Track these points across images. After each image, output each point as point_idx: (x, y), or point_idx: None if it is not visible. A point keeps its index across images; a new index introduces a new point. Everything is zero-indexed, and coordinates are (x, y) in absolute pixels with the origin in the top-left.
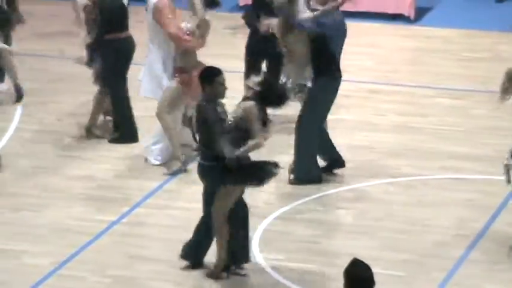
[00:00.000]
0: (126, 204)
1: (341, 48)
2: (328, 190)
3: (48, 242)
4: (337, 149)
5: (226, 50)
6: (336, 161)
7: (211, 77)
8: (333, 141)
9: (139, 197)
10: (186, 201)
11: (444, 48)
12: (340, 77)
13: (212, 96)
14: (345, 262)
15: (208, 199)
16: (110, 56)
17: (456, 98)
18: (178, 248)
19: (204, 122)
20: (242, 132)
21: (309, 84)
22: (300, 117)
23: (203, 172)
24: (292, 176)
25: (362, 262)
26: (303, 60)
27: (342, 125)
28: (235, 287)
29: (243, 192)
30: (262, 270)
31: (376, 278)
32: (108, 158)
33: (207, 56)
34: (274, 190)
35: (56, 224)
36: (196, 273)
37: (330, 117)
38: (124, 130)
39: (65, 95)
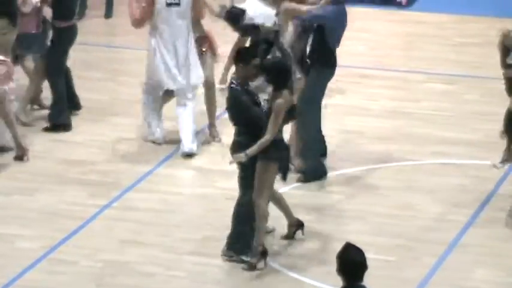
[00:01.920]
0: (117, 188)
1: (340, 38)
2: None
3: (40, 226)
4: (328, 133)
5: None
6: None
7: (248, 58)
8: (324, 125)
9: (131, 181)
10: (177, 185)
11: (436, 33)
12: (335, 65)
13: (245, 77)
14: (337, 247)
15: (244, 182)
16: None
17: (448, 83)
18: (170, 232)
19: (238, 105)
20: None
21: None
22: (300, 109)
23: (239, 149)
24: (301, 176)
25: (355, 246)
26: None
27: (333, 109)
28: (227, 272)
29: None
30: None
31: (367, 263)
32: (99, 142)
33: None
34: None
35: (47, 208)
36: (189, 257)
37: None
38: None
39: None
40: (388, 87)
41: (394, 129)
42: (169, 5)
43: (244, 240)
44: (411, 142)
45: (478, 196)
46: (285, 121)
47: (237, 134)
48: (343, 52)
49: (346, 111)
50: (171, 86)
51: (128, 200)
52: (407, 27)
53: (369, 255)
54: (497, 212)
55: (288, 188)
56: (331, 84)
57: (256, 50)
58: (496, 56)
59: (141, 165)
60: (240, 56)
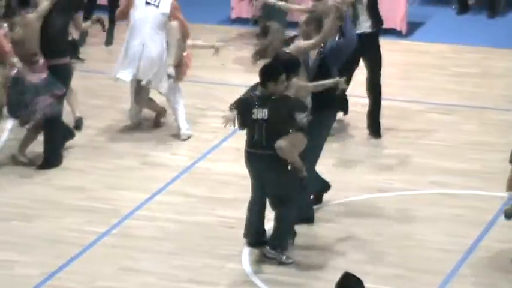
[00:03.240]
0: (115, 216)
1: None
2: (319, 204)
3: (38, 252)
4: (328, 162)
5: (217, 62)
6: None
7: (277, 75)
8: (324, 155)
9: (130, 208)
10: (176, 213)
11: (435, 63)
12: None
13: (273, 93)
14: (334, 276)
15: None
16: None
17: (446, 113)
18: (168, 260)
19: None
20: None
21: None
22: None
23: (270, 161)
24: None
25: (353, 275)
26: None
27: (333, 139)
28: None
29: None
30: (252, 283)
31: None
32: (97, 168)
33: (199, 68)
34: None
35: (45, 234)
36: (187, 286)
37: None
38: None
39: None
40: (386, 116)
41: (392, 159)
42: (147, 3)
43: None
44: (409, 172)
45: (476, 226)
46: None
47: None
48: None
49: (347, 140)
50: (122, 76)
51: (127, 227)
52: (406, 57)
53: (368, 285)
54: (495, 242)
55: None
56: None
57: (281, 65)
58: (494, 86)
59: (141, 193)
60: (267, 74)
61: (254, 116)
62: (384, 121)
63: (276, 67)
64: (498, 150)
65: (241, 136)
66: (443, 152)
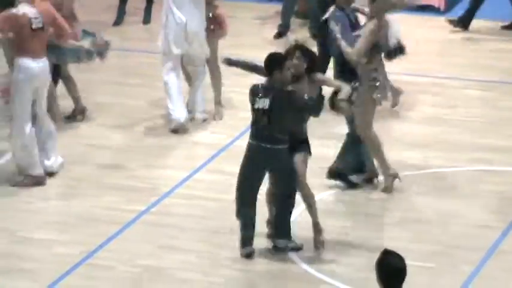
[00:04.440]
0: (155, 194)
1: None
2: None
3: (78, 231)
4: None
5: (255, 40)
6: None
7: (281, 62)
8: None
9: (169, 187)
10: (215, 191)
11: (473, 39)
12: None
13: (279, 81)
14: (374, 253)
15: (280, 183)
16: None
17: (485, 90)
18: (207, 238)
19: (288, 107)
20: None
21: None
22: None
23: (273, 155)
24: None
25: (395, 253)
26: None
27: None
28: (264, 278)
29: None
30: (291, 261)
31: (407, 270)
32: (136, 147)
33: (240, 46)
34: None
35: (85, 213)
36: (226, 263)
37: None
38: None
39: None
40: (425, 93)
41: (431, 136)
42: None
43: None
44: (448, 149)
45: None
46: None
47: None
48: None
49: (383, 117)
50: (175, 50)
51: (166, 205)
52: (444, 33)
53: (407, 262)
54: None
55: (326, 194)
56: None
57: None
58: None
59: (179, 171)
60: (273, 62)
61: (256, 106)
62: (421, 97)
63: (280, 55)
64: None
65: None
66: (482, 128)
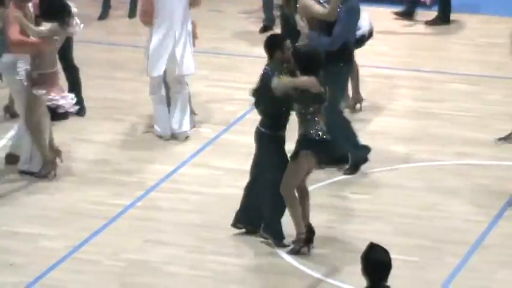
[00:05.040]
0: (140, 188)
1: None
2: (341, 175)
3: (63, 225)
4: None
5: (240, 34)
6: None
7: (281, 42)
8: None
9: (154, 181)
10: (201, 185)
11: (460, 33)
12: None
13: (281, 61)
14: (359, 247)
15: (260, 166)
16: None
17: (472, 84)
18: (193, 232)
19: (268, 90)
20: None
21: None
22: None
23: (260, 139)
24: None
25: (380, 246)
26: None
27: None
28: (249, 271)
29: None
30: (277, 255)
31: (392, 263)
32: (122, 141)
33: (224, 40)
34: None
35: (71, 207)
36: (213, 257)
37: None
38: None
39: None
40: (412, 87)
41: (417, 130)
42: None
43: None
44: (434, 142)
45: (501, 196)
46: (309, 103)
47: (261, 125)
48: (367, 52)
49: (370, 111)
50: (159, 72)
51: (152, 199)
52: (431, 28)
53: (392, 256)
54: None
55: (312, 188)
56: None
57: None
58: None
59: (165, 165)
60: (273, 42)
61: None
62: (407, 91)
63: (279, 35)
64: None
65: None
66: (468, 122)
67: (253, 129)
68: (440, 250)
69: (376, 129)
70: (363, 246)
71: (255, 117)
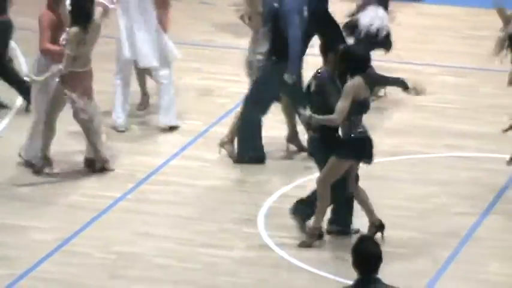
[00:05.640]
0: (131, 180)
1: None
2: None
3: (54, 218)
4: None
5: (231, 27)
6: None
7: (337, 45)
8: None
9: (145, 173)
10: (191, 177)
11: (450, 26)
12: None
13: (334, 64)
14: (350, 240)
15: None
16: None
17: (461, 76)
18: (184, 225)
19: (321, 94)
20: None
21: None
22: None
23: (312, 144)
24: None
25: (370, 239)
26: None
27: None
28: (240, 264)
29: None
30: (267, 247)
31: (382, 256)
32: (113, 134)
33: (213, 33)
34: (279, 167)
35: (61, 199)
36: (203, 249)
37: None
38: None
39: None
40: None
41: (406, 122)
42: None
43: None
44: (423, 135)
45: (491, 189)
46: (358, 111)
47: (313, 129)
48: None
49: None
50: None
51: (142, 192)
52: (420, 20)
53: (382, 248)
54: (511, 204)
55: (303, 181)
56: None
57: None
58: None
59: (156, 157)
60: (327, 45)
61: None
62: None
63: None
64: None
65: None
66: (458, 115)
67: None
68: (430, 242)
69: (367, 122)
70: (354, 239)
71: None
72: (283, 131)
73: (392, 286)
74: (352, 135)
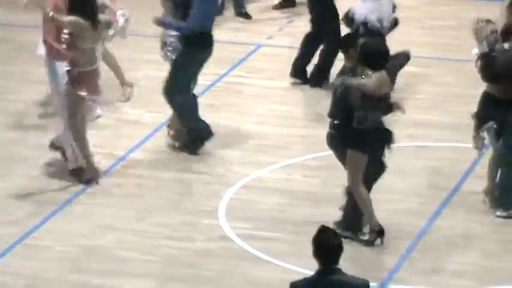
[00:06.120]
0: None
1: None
2: (294, 158)
3: (15, 211)
4: (302, 117)
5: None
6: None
7: (353, 40)
8: (302, 110)
9: (105, 166)
10: (152, 170)
11: (409, 16)
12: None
13: (354, 60)
14: (311, 230)
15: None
16: None
17: (422, 66)
18: (145, 217)
19: (343, 92)
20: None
21: None
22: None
23: (332, 141)
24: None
25: (330, 229)
26: None
27: (307, 93)
28: (201, 256)
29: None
30: (228, 238)
31: (343, 246)
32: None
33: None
34: (239, 158)
35: (22, 192)
36: (164, 242)
37: (296, 85)
38: None
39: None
40: None
41: None
42: None
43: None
44: (386, 125)
45: (452, 178)
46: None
47: (331, 126)
48: None
49: (320, 95)
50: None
51: (103, 184)
52: None
53: (343, 239)
54: (472, 194)
55: (263, 172)
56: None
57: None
58: (470, 38)
59: (117, 150)
60: (347, 42)
61: None
62: None
63: (353, 34)
64: (474, 102)
65: (216, 92)
66: (420, 104)
67: (202, 114)
68: (391, 232)
69: (325, 112)
70: (315, 230)
71: (205, 102)
72: (243, 122)
73: (353, 276)
74: (362, 127)
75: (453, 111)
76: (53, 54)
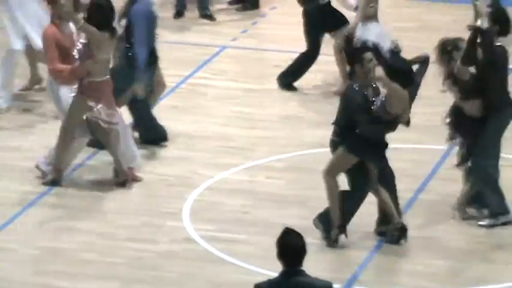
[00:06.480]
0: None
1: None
2: (258, 160)
3: None
4: (267, 118)
5: None
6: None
7: (359, 55)
8: (266, 112)
9: (69, 167)
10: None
11: None
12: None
13: (363, 75)
14: (276, 232)
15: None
16: None
17: None
18: (107, 219)
19: (349, 105)
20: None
21: None
22: None
23: (335, 148)
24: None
25: (294, 231)
26: None
27: (272, 94)
28: (165, 258)
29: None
30: (192, 240)
31: (307, 248)
32: (35, 128)
33: None
34: (203, 160)
35: None
36: (127, 244)
37: (260, 87)
38: None
39: None
40: (324, 71)
41: (331, 113)
42: None
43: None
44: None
45: (415, 180)
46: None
47: (334, 133)
48: (282, 37)
49: (285, 96)
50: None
51: (65, 187)
52: (346, 13)
53: (308, 240)
54: (435, 195)
55: (227, 174)
56: (270, 70)
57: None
58: (433, 40)
59: (81, 152)
60: (353, 56)
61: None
62: (320, 76)
63: (359, 48)
64: (436, 103)
65: (180, 94)
66: None
67: (166, 115)
68: (356, 233)
69: (289, 114)
70: (279, 231)
71: (169, 103)
72: (206, 124)
73: (316, 278)
74: (363, 132)
75: (415, 112)
76: (60, 79)
